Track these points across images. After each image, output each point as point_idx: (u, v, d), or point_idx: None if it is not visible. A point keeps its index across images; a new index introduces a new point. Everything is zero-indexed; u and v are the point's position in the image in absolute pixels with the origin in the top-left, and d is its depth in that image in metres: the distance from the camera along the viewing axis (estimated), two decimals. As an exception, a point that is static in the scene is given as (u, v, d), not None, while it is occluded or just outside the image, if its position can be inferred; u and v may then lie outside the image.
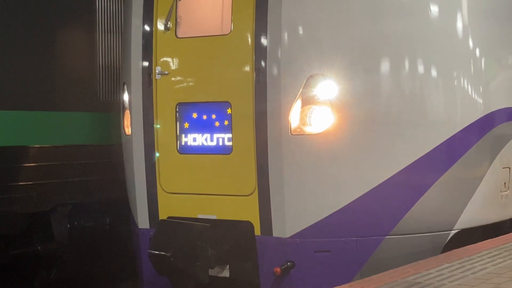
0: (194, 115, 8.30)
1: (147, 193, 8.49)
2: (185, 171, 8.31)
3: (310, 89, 7.70)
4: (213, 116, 8.18)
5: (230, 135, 8.05)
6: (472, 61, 8.33)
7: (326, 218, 7.72)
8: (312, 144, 7.72)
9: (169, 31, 8.38)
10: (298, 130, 7.72)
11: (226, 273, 8.27)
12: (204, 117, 8.23)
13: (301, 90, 7.69)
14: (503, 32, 8.96)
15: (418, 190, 7.93)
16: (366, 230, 7.79)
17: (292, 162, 7.72)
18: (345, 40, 7.79)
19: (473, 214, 8.38)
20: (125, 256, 10.22)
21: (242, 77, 7.95)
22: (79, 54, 10.08)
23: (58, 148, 9.76)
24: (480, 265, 7.02)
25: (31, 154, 9.52)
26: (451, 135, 8.06)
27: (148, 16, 8.47)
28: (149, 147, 8.47)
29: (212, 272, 8.10)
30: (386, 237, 7.85)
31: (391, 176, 7.78)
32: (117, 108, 9.37)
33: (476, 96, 8.35)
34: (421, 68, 8.01)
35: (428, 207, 7.98)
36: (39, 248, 9.97)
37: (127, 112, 8.76)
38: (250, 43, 7.90)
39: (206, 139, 8.23)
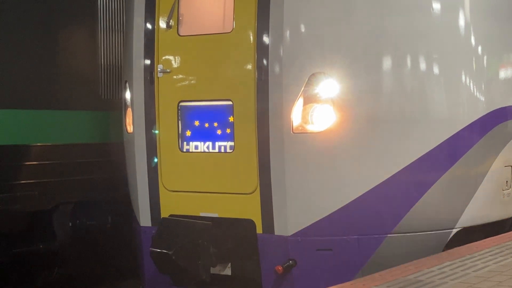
0: (196, 113, 8.29)
1: (149, 191, 8.49)
2: (187, 169, 8.31)
3: (312, 87, 7.70)
4: (215, 114, 8.17)
5: (232, 133, 8.04)
6: (474, 59, 8.32)
7: (328, 216, 7.72)
8: (314, 142, 7.71)
9: (171, 29, 8.38)
10: (300, 128, 7.72)
11: (228, 271, 8.27)
12: (206, 115, 8.23)
13: (303, 88, 7.69)
14: (505, 30, 8.96)
15: (420, 188, 7.93)
16: (368, 228, 7.79)
17: (294, 161, 7.72)
18: (347, 38, 7.79)
19: (475, 212, 8.38)
20: (127, 254, 10.23)
21: (244, 75, 7.95)
22: (81, 53, 10.08)
23: (59, 147, 9.77)
24: (481, 263, 7.01)
25: (33, 153, 9.53)
26: (453, 133, 8.05)
27: (150, 14, 8.47)
28: (151, 145, 8.47)
29: (213, 270, 8.11)
30: (388, 235, 7.85)
31: (393, 174, 7.78)
32: (119, 107, 9.36)
33: (478, 94, 8.35)
34: (423, 66, 8.01)
35: (430, 205, 7.98)
36: (41, 246, 9.98)
37: (129, 111, 8.76)
38: (252, 41, 7.90)
39: (208, 137, 8.22)
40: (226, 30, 8.15)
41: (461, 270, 6.72)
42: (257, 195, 7.88)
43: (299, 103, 7.70)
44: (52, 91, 9.68)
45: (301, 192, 7.75)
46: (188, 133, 8.34)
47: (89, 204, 10.34)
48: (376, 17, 7.86)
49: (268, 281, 7.87)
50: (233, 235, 8.16)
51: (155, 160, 8.44)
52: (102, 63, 10.30)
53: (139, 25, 8.53)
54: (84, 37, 10.17)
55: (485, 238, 8.47)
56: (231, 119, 8.05)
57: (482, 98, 8.38)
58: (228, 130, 8.09)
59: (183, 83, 8.36)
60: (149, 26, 8.48)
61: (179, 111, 8.36)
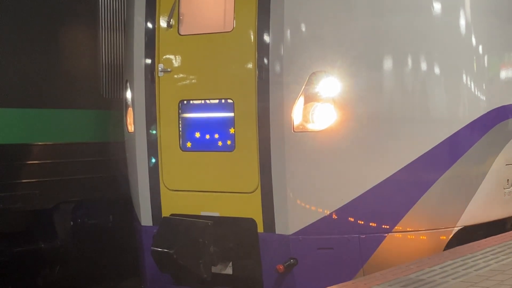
0: (197, 113, 8.29)
1: (150, 191, 8.49)
2: (188, 169, 8.30)
3: (312, 86, 7.69)
4: (216, 114, 8.17)
5: (232, 133, 8.04)
6: (475, 58, 8.32)
7: (329, 215, 7.72)
8: (315, 141, 7.71)
9: (171, 29, 8.38)
10: (301, 127, 7.71)
11: (229, 270, 8.27)
12: (207, 114, 8.23)
13: (303, 87, 7.68)
14: (505, 29, 8.95)
15: (421, 187, 7.93)
16: (369, 227, 7.79)
17: (294, 159, 7.71)
18: (348, 37, 7.78)
19: (476, 211, 8.37)
20: (128, 254, 10.22)
21: (244, 74, 7.94)
22: (82, 52, 10.08)
23: (61, 146, 9.77)
24: (483, 262, 7.01)
25: (34, 152, 9.53)
26: (454, 132, 8.05)
27: (151, 14, 8.47)
28: (152, 144, 8.47)
29: (215, 269, 8.10)
30: (389, 234, 7.85)
31: (394, 173, 7.78)
32: (120, 106, 9.36)
33: (479, 93, 8.34)
34: (424, 65, 8.00)
35: (431, 204, 7.97)
36: (42, 245, 9.98)
37: (130, 110, 8.76)
38: (252, 40, 7.89)
39: (208, 136, 8.22)
40: (226, 29, 8.15)
41: (463, 269, 6.71)
42: (258, 194, 7.88)
43: (300, 102, 7.70)
44: (53, 90, 9.68)
45: (302, 191, 7.75)
46: (189, 132, 8.34)
47: (90, 203, 10.34)
48: (376, 16, 7.86)
49: (269, 280, 7.87)
50: (234, 234, 8.16)
51: (156, 159, 8.44)
52: (103, 62, 10.30)
53: (140, 24, 8.53)
54: (85, 36, 10.16)
55: (486, 237, 8.46)
56: (231, 118, 8.05)
57: (483, 97, 8.38)
58: (228, 129, 8.09)
59: (184, 82, 8.36)
60: (149, 25, 8.48)
61: (180, 110, 8.36)
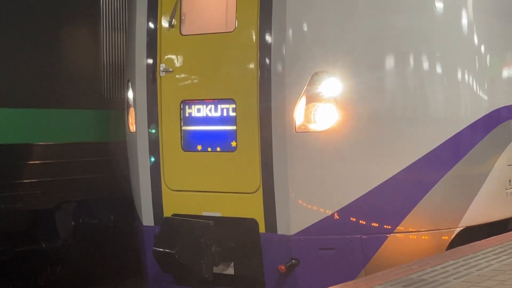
0: (199, 113, 8.29)
1: (151, 191, 8.49)
2: (189, 169, 8.30)
3: (314, 86, 7.69)
4: (218, 114, 8.17)
5: (234, 133, 8.04)
6: (477, 58, 8.32)
7: (330, 215, 7.72)
8: (317, 141, 7.71)
9: (173, 29, 8.38)
10: (303, 127, 7.71)
11: (230, 271, 8.27)
12: (208, 114, 8.23)
13: (305, 87, 7.68)
14: (508, 29, 8.95)
15: (423, 188, 7.92)
16: (371, 227, 7.78)
17: (296, 160, 7.71)
18: (349, 37, 7.78)
19: (478, 212, 8.37)
20: (130, 254, 10.23)
21: (246, 75, 7.94)
22: (83, 52, 10.08)
23: (62, 146, 9.76)
24: (485, 262, 7.01)
25: (36, 152, 9.53)
26: (456, 132, 8.05)
27: (153, 14, 8.46)
28: (154, 144, 8.47)
29: (216, 269, 8.10)
30: (391, 234, 7.85)
31: (396, 174, 7.77)
32: (122, 106, 9.36)
33: (481, 93, 8.34)
34: (426, 65, 8.00)
35: (433, 204, 7.97)
36: (43, 245, 9.98)
37: (132, 110, 8.76)
38: (254, 40, 7.89)
39: (210, 136, 8.22)
40: (228, 29, 8.15)
41: (464, 269, 6.71)
42: (259, 194, 7.87)
43: (301, 102, 7.69)
44: (54, 90, 9.68)
45: (303, 191, 7.75)
46: (191, 132, 8.33)
47: (91, 203, 10.34)
48: (378, 16, 7.85)
49: (271, 280, 7.87)
50: (235, 234, 8.16)
51: (158, 159, 8.44)
52: (105, 62, 10.29)
53: (142, 24, 8.53)
54: (87, 36, 10.16)
55: (488, 237, 8.46)
56: (233, 118, 8.04)
57: (485, 97, 8.38)
58: (230, 129, 8.08)
59: (186, 82, 8.36)
60: (151, 25, 8.48)
61: (182, 111, 8.35)
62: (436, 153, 7.90)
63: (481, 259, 7.15)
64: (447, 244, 8.15)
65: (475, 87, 8.28)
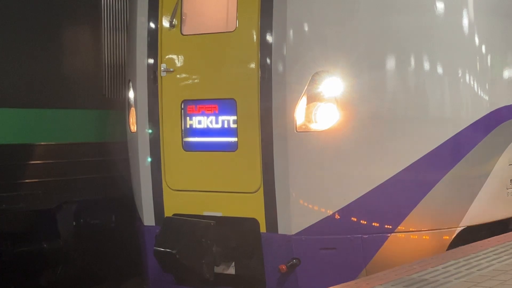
0: (200, 112, 8.29)
1: (152, 191, 8.49)
2: (190, 169, 8.30)
3: (315, 86, 7.69)
4: (218, 114, 8.17)
5: (235, 132, 8.04)
6: (478, 57, 8.31)
7: (331, 215, 7.72)
8: (318, 141, 7.71)
9: (174, 28, 8.38)
10: (304, 127, 7.71)
11: (231, 270, 8.27)
12: (209, 114, 8.23)
13: (306, 87, 7.68)
14: (509, 29, 8.94)
15: (424, 187, 7.92)
16: (372, 227, 7.78)
17: (297, 159, 7.71)
18: (350, 36, 7.78)
19: (479, 211, 8.36)
20: (131, 254, 10.23)
21: (247, 74, 7.94)
22: (84, 52, 10.08)
23: (63, 146, 9.77)
24: (486, 262, 7.00)
25: (37, 152, 9.53)
26: (457, 132, 8.04)
27: (153, 14, 8.47)
28: (155, 144, 8.47)
29: (217, 269, 8.10)
30: (392, 234, 7.84)
31: (397, 173, 7.77)
32: (123, 106, 9.36)
33: (482, 92, 8.34)
34: (426, 65, 8.00)
35: (434, 204, 7.97)
36: (44, 245, 9.98)
37: (133, 110, 8.77)
38: (255, 40, 7.89)
39: (211, 136, 8.22)
40: (229, 29, 8.15)
41: (466, 269, 6.71)
42: (260, 194, 7.88)
43: (302, 102, 7.69)
44: (55, 90, 9.68)
45: (304, 191, 7.75)
46: (191, 132, 8.33)
47: (92, 203, 10.34)
48: (379, 15, 7.85)
49: (272, 280, 7.86)
50: (236, 234, 8.15)
51: (159, 159, 8.44)
52: (106, 62, 10.30)
53: (143, 24, 8.53)
54: (88, 36, 10.16)
55: (489, 237, 8.45)
56: (234, 118, 8.04)
57: (486, 97, 8.37)
58: (231, 129, 8.08)
59: (187, 82, 8.36)
60: (152, 25, 8.48)
61: (183, 110, 8.36)
62: (437, 152, 7.90)
63: (482, 259, 7.14)
64: (448, 244, 8.14)
65: (476, 87, 8.27)
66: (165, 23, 8.43)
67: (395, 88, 7.90)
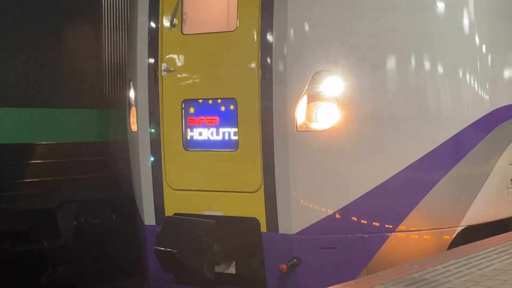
0: (200, 112, 8.29)
1: (153, 190, 8.49)
2: (191, 168, 8.31)
3: (316, 86, 7.69)
4: (219, 113, 8.17)
5: (236, 132, 8.04)
6: (478, 57, 8.31)
7: (332, 214, 7.72)
8: (318, 140, 7.71)
9: (175, 28, 8.38)
10: (304, 126, 7.71)
11: (232, 270, 8.27)
12: (210, 113, 8.23)
13: (307, 86, 7.68)
14: (509, 28, 8.94)
15: (425, 187, 7.92)
16: (373, 226, 7.78)
17: (298, 159, 7.71)
18: (351, 36, 7.78)
19: (479, 211, 8.37)
20: (131, 253, 10.23)
21: (248, 74, 7.94)
22: (85, 51, 10.08)
23: (64, 145, 9.77)
24: (486, 261, 7.00)
25: (38, 151, 9.53)
26: (457, 132, 8.04)
27: (154, 13, 8.47)
28: (155, 144, 8.47)
29: (218, 268, 8.10)
30: (393, 233, 7.84)
31: (398, 173, 7.77)
32: (123, 105, 9.36)
33: (482, 92, 8.34)
34: (427, 65, 8.00)
35: (434, 203, 7.97)
36: (45, 245, 9.98)
37: (133, 109, 8.77)
38: (256, 40, 7.89)
39: (212, 136, 8.22)
40: (230, 28, 8.15)
41: (466, 269, 6.71)
42: (261, 194, 7.88)
43: (303, 101, 7.70)
44: (56, 89, 9.68)
45: (305, 191, 7.75)
46: (192, 131, 8.34)
47: (93, 203, 10.34)
48: (380, 15, 7.85)
49: (273, 279, 7.87)
50: (237, 233, 8.16)
51: (159, 158, 8.44)
52: (107, 61, 10.30)
53: (143, 23, 8.53)
54: (88, 35, 10.16)
55: (489, 236, 8.46)
56: (235, 117, 8.04)
57: (487, 97, 8.37)
58: (232, 129, 8.09)
59: (187, 81, 8.36)
60: (153, 24, 8.48)
61: (183, 110, 8.36)
62: (437, 152, 7.90)
63: (483, 258, 7.14)
64: (448, 244, 8.14)
65: (476, 87, 8.27)
66: (166, 23, 8.43)
67: (396, 88, 7.90)
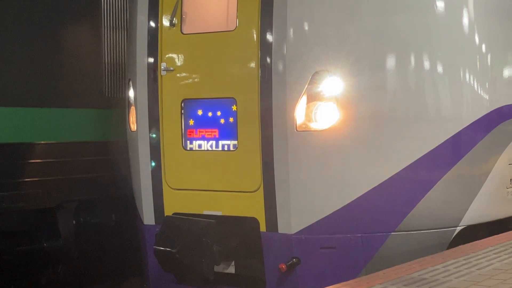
0: (200, 112, 8.30)
1: (152, 190, 8.50)
2: (190, 168, 8.31)
3: (315, 85, 7.69)
4: (218, 113, 8.18)
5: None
6: (478, 57, 8.31)
7: (331, 214, 7.72)
8: (318, 140, 7.71)
9: (174, 27, 8.38)
10: (304, 126, 7.71)
11: (231, 270, 8.28)
12: (210, 113, 8.24)
13: (306, 86, 7.68)
14: (509, 28, 8.94)
15: (424, 186, 7.92)
16: (372, 226, 7.78)
17: (297, 159, 7.71)
18: (350, 36, 7.78)
19: (479, 211, 8.37)
20: (131, 253, 10.23)
21: (247, 74, 7.95)
22: (84, 51, 10.08)
23: (64, 145, 9.77)
24: (486, 261, 7.00)
25: (37, 151, 9.53)
26: (457, 131, 8.04)
27: (154, 12, 8.47)
28: (155, 143, 8.47)
29: (217, 268, 8.10)
30: (392, 233, 7.84)
31: (397, 172, 7.77)
32: (123, 105, 9.37)
33: (482, 92, 8.34)
34: (427, 64, 8.00)
35: (434, 203, 7.97)
36: (45, 244, 9.98)
37: (133, 109, 8.77)
38: (255, 39, 7.89)
39: (211, 136, 8.23)
40: (229, 28, 8.16)
41: (465, 268, 6.71)
42: (260, 193, 7.88)
43: (302, 101, 7.70)
44: (55, 89, 9.68)
45: (304, 190, 7.75)
46: (192, 131, 8.34)
47: (93, 202, 10.34)
48: (380, 15, 7.85)
49: (272, 279, 7.87)
50: (236, 233, 8.16)
51: (159, 158, 8.44)
52: (106, 61, 10.30)
53: (143, 23, 8.54)
54: (88, 35, 10.16)
55: (489, 236, 8.46)
56: (234, 117, 8.04)
57: (486, 96, 8.37)
58: (231, 129, 8.08)
59: (187, 81, 8.36)
60: (152, 24, 8.49)
61: (183, 109, 8.36)
62: (437, 152, 7.90)
63: (482, 258, 7.14)
64: (448, 243, 8.14)
65: (476, 86, 8.27)
66: (165, 22, 8.43)
67: (395, 88, 7.90)
